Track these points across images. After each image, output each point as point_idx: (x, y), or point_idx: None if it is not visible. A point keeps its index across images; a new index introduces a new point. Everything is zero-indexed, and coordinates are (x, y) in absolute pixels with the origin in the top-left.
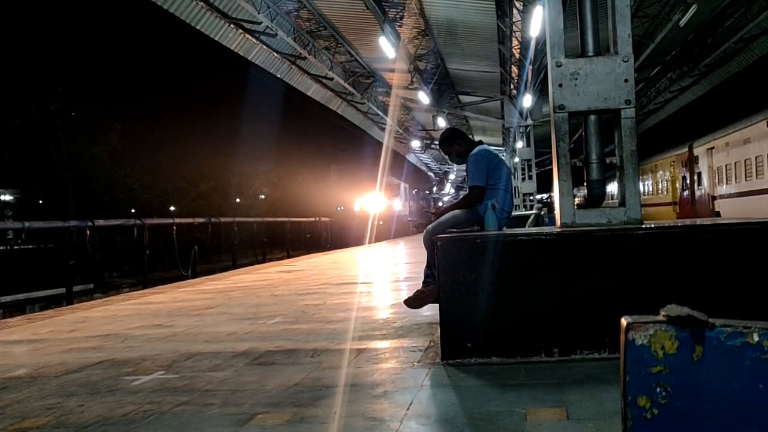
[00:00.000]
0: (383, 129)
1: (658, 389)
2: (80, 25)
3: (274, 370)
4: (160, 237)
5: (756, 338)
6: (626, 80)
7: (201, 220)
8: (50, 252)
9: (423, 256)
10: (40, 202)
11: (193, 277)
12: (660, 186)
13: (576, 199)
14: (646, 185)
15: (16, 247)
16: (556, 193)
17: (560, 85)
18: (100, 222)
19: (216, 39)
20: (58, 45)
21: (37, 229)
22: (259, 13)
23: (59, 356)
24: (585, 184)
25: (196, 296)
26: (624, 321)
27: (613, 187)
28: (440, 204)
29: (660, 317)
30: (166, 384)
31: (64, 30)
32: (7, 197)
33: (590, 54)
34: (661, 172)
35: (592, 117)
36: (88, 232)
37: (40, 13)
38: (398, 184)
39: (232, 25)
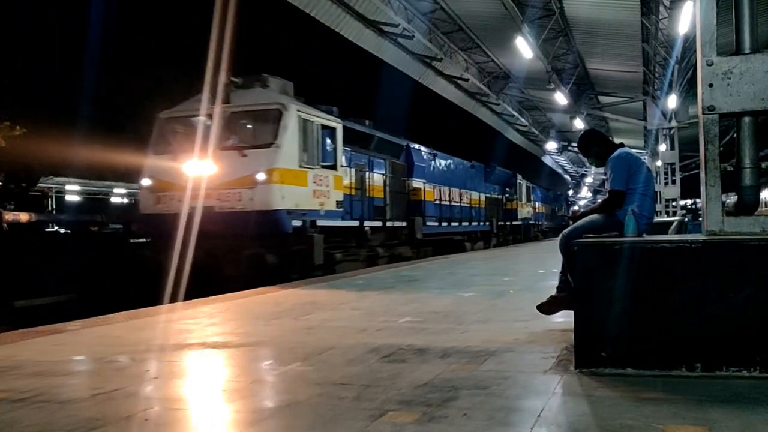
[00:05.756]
0: (518, 130)
1: None
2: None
3: (404, 368)
4: None
5: None
6: None
7: None
8: None
9: None
10: None
11: None
12: None
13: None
14: None
15: None
16: (703, 199)
17: (710, 85)
18: None
19: (356, 43)
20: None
21: None
22: (395, 15)
23: None
24: (735, 190)
25: None
26: None
27: (766, 194)
28: (576, 208)
29: None
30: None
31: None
32: None
33: (746, 51)
34: None
35: (747, 119)
36: None
37: None
38: (276, 109)
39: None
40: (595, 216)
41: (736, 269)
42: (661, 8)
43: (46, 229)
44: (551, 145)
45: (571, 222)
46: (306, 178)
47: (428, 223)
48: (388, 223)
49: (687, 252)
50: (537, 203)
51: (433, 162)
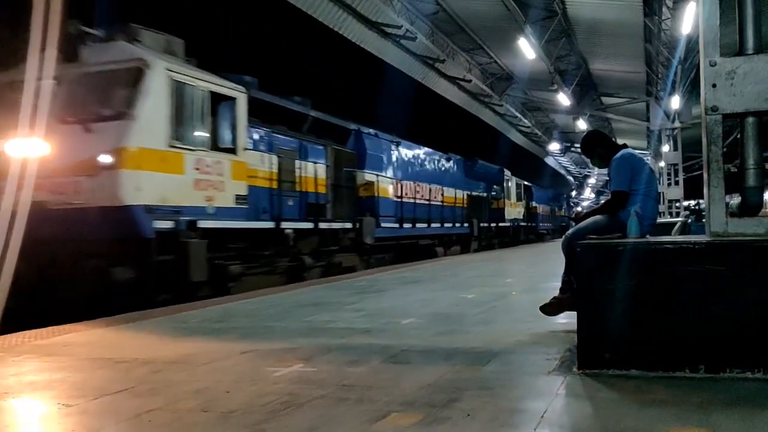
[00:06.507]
0: (520, 131)
1: None
2: None
3: (408, 369)
4: None
5: None
6: None
7: None
8: None
9: None
10: None
11: None
12: None
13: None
14: None
15: None
16: (706, 200)
17: (714, 86)
18: None
19: (358, 44)
20: None
21: None
22: (398, 17)
23: None
24: (739, 191)
25: None
26: None
27: None
28: (579, 209)
29: None
30: None
31: None
32: None
33: (750, 52)
34: None
35: (750, 119)
36: None
37: None
38: (134, 67)
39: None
40: (598, 217)
41: (739, 270)
42: (664, 9)
43: None
44: (554, 146)
45: (573, 223)
46: (181, 162)
47: (384, 225)
48: (324, 225)
49: (690, 253)
50: (532, 203)
51: (393, 152)
